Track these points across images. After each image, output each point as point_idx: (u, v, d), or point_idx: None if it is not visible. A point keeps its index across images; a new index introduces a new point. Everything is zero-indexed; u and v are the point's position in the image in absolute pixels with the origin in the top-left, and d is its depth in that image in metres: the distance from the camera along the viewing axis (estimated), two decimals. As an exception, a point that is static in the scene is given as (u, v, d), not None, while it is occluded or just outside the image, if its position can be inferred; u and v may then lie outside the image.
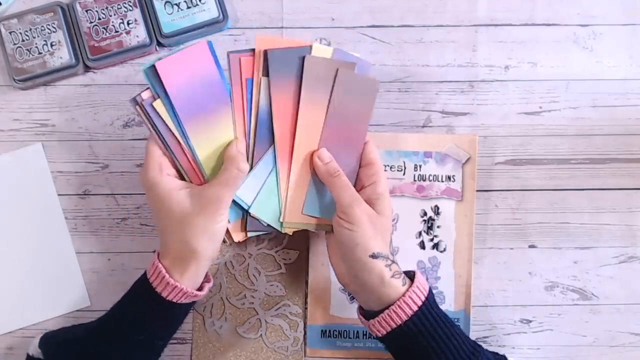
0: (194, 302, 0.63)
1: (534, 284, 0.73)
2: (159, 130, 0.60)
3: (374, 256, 0.58)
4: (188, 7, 0.72)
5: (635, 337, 0.73)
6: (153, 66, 0.59)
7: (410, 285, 0.59)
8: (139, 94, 0.60)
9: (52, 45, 0.71)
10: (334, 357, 0.72)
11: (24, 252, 0.72)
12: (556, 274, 0.73)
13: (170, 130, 0.60)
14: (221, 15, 0.72)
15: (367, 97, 0.63)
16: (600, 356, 0.73)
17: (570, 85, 0.74)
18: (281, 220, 0.63)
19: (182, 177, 0.62)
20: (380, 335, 0.59)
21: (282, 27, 0.74)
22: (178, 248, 0.59)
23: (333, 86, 0.62)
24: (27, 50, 0.71)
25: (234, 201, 0.61)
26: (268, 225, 0.63)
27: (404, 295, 0.58)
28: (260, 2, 0.74)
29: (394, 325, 0.58)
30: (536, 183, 0.73)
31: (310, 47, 0.62)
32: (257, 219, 0.63)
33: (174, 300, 0.59)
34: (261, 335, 0.72)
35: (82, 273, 0.72)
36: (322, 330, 0.72)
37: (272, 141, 0.62)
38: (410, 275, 0.61)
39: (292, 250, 0.72)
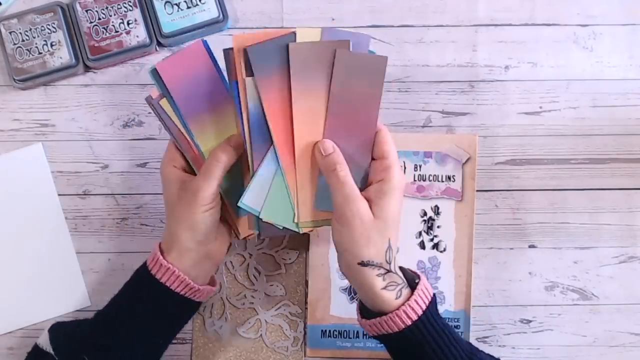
0: (194, 307, 0.62)
1: (534, 284, 0.73)
2: (168, 127, 0.60)
3: (362, 264, 0.55)
4: (188, 7, 0.72)
5: (635, 337, 0.73)
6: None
7: (408, 298, 0.56)
8: (150, 94, 0.60)
9: (52, 45, 0.71)
10: (334, 357, 0.72)
11: (24, 252, 0.72)
12: (556, 274, 0.73)
13: (177, 127, 0.60)
14: (221, 15, 0.72)
15: (374, 77, 0.57)
16: (600, 356, 0.73)
17: (570, 85, 0.74)
18: (295, 221, 0.60)
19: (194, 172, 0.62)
20: (372, 335, 0.59)
21: (282, 27, 0.74)
22: (166, 234, 0.61)
23: (332, 70, 0.57)
24: (27, 50, 0.71)
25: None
26: (284, 228, 0.60)
27: (398, 309, 0.55)
28: (260, 2, 0.74)
29: (385, 333, 0.57)
30: (536, 183, 0.73)
31: (294, 33, 0.56)
32: (271, 224, 0.60)
33: (167, 284, 0.58)
34: (261, 335, 0.72)
35: (82, 273, 0.72)
36: (322, 330, 0.72)
37: (270, 142, 0.59)
38: (412, 282, 0.57)
39: (292, 250, 0.72)
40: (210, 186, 0.58)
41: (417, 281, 0.57)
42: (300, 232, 0.60)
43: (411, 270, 0.59)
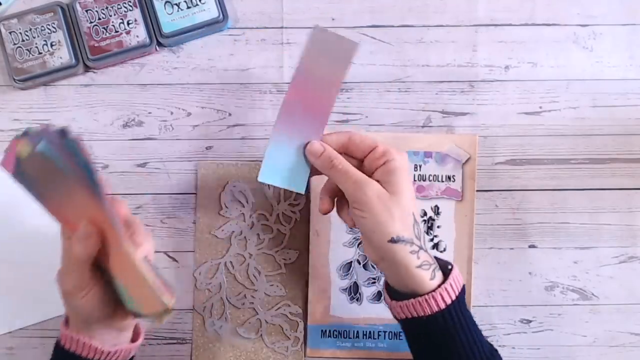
0: None
1: (534, 284, 0.73)
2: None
3: (392, 241, 0.54)
4: (188, 7, 0.72)
5: (635, 337, 0.73)
6: None
7: (442, 282, 0.55)
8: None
9: (52, 45, 0.71)
10: (334, 357, 0.72)
11: (24, 252, 0.72)
12: (556, 274, 0.73)
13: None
14: (221, 15, 0.72)
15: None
16: (600, 356, 0.73)
17: (570, 85, 0.74)
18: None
19: None
20: (399, 318, 0.57)
21: (282, 27, 0.74)
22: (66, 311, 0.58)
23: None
24: (27, 50, 0.71)
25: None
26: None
27: (433, 291, 0.54)
28: (260, 2, 0.74)
29: (416, 316, 0.55)
30: (536, 183, 0.73)
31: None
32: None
33: (82, 355, 0.56)
34: (261, 335, 0.72)
35: (82, 273, 0.72)
36: (322, 330, 0.72)
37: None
38: (444, 267, 0.56)
39: (292, 250, 0.72)
40: (69, 280, 0.54)
41: (450, 267, 0.57)
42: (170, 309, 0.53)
43: (441, 259, 0.58)
